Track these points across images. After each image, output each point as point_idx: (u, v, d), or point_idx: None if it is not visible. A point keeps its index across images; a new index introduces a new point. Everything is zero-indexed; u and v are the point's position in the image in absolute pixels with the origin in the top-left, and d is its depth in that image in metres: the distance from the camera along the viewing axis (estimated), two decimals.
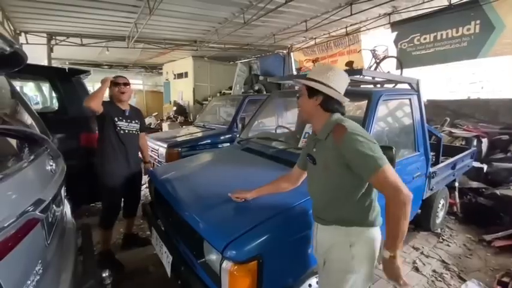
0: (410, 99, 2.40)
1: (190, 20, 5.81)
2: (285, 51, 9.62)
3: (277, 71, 9.87)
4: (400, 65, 4.77)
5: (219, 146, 4.09)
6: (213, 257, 1.31)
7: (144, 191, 3.93)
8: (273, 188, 1.47)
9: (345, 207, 1.14)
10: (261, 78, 9.80)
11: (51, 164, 1.44)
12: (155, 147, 3.99)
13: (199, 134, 4.36)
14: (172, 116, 9.77)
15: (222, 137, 4.22)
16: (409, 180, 2.27)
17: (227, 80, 10.12)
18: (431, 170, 2.54)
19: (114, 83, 2.31)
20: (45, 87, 4.91)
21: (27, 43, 6.26)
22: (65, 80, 3.09)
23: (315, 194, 1.26)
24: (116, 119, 2.27)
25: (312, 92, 1.16)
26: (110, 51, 7.82)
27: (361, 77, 2.51)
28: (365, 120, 1.97)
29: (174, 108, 10.16)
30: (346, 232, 1.14)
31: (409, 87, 2.46)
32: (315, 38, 8.04)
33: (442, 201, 3.15)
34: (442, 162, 2.96)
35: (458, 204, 3.48)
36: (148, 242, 2.61)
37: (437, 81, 6.86)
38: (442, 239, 2.93)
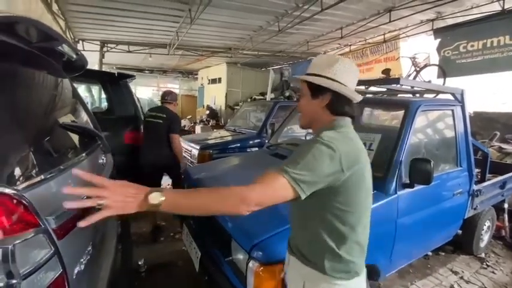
0: (453, 111, 2.27)
1: (227, 28, 6.06)
2: None
3: None
4: (443, 74, 4.49)
5: (248, 150, 4.17)
6: (240, 256, 1.35)
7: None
8: None
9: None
10: (292, 84, 9.80)
11: (102, 158, 1.61)
12: (188, 149, 4.20)
13: (230, 138, 4.48)
14: (204, 120, 10.16)
15: (251, 142, 4.30)
16: (448, 197, 2.13)
17: (258, 85, 10.31)
18: (475, 187, 2.35)
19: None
20: (95, 89, 5.40)
21: (84, 50, 6.96)
22: (114, 83, 3.41)
23: None
24: None
25: (317, 91, 0.91)
26: (153, 58, 8.41)
27: (399, 85, 2.43)
28: (401, 131, 1.91)
29: (207, 112, 10.55)
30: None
31: (453, 98, 2.32)
32: (350, 45, 7.88)
33: (487, 223, 2.87)
34: (488, 180, 2.72)
35: (508, 228, 3.15)
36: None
37: (484, 92, 6.32)
38: (487, 264, 2.67)
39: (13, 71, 1.04)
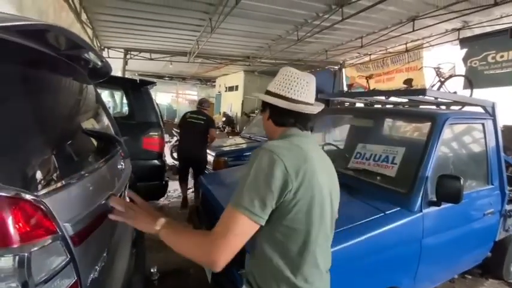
0: (483, 124, 2.13)
1: (246, 37, 6.14)
2: (336, 67, 9.44)
3: (326, 86, 9.68)
4: (470, 85, 4.28)
5: None
6: None
7: (190, 195, 4.15)
8: None
9: None
10: None
11: (121, 163, 1.63)
12: None
13: (245, 145, 4.48)
14: (220, 126, 10.26)
15: None
16: (478, 217, 1.98)
17: None
18: (507, 207, 2.18)
19: None
20: (117, 95, 5.59)
21: (109, 57, 7.25)
22: (136, 89, 3.51)
23: None
24: None
25: (263, 105, 0.94)
26: (173, 65, 8.65)
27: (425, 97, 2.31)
28: (427, 145, 1.81)
29: (223, 119, 10.67)
30: None
31: (483, 111, 2.18)
32: (370, 54, 7.74)
33: None
34: None
35: None
36: None
37: None
38: None
39: (41, 76, 1.07)
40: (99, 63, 1.57)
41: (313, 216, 0.77)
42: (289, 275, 0.77)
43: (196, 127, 3.81)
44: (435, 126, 1.88)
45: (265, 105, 0.93)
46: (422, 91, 1.99)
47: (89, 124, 1.42)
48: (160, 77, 12.75)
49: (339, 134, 3.46)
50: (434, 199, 1.65)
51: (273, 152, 0.76)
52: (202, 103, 4.10)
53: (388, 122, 2.59)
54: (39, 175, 0.78)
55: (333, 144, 2.99)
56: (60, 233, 0.77)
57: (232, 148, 4.30)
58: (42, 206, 0.73)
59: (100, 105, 1.74)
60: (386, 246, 1.51)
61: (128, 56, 7.35)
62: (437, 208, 1.68)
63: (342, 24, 4.87)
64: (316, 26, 5.08)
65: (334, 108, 4.47)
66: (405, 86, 5.75)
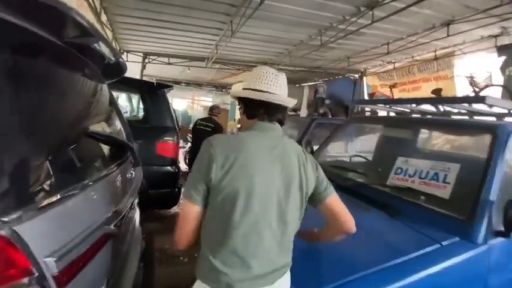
0: None
1: (266, 42, 5.97)
2: (356, 75, 9.11)
3: (345, 95, 9.33)
4: (510, 95, 3.91)
5: None
6: None
7: None
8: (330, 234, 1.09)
9: None
10: (327, 101, 9.47)
11: (131, 172, 1.43)
12: None
13: None
14: (235, 133, 10.11)
15: None
16: None
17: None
18: None
19: None
20: (135, 99, 5.53)
21: (127, 60, 7.29)
22: (152, 93, 3.39)
23: None
24: None
25: (239, 103, 1.01)
26: (190, 70, 8.62)
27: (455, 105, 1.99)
28: (490, 162, 1.51)
29: (238, 125, 10.52)
30: None
31: None
32: (394, 62, 7.39)
33: None
34: None
35: None
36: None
37: None
38: None
39: (41, 68, 0.89)
40: (113, 58, 1.40)
41: (236, 206, 0.81)
42: (208, 254, 0.83)
43: (205, 134, 3.84)
44: (498, 139, 1.57)
45: (239, 101, 0.99)
46: (481, 98, 1.70)
47: (99, 127, 1.24)
48: (177, 82, 12.84)
49: (366, 145, 3.12)
50: (502, 228, 1.35)
51: (210, 142, 0.87)
52: (212, 109, 4.32)
53: (433, 133, 2.28)
54: (10, 192, 0.56)
55: (361, 156, 2.71)
56: (37, 273, 0.55)
57: None
58: (12, 238, 0.53)
59: (113, 108, 1.58)
60: (445, 287, 1.22)
61: (146, 60, 7.35)
62: (505, 239, 1.37)
63: (368, 28, 4.61)
64: (341, 30, 4.83)
65: (364, 117, 4.19)
66: (433, 95, 5.48)
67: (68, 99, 1.02)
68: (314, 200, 0.98)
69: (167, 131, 3.42)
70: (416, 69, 6.95)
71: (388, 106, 2.94)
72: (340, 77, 9.65)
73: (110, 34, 5.43)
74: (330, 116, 8.92)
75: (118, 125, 1.57)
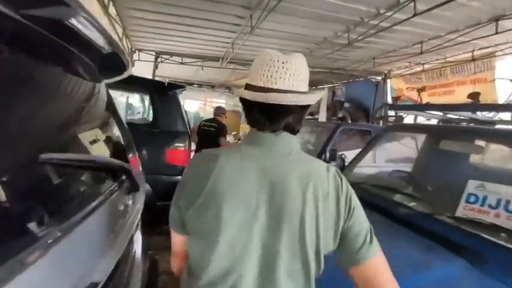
0: None
1: (287, 40, 5.52)
2: (378, 78, 8.54)
3: (366, 99, 8.82)
4: None
5: None
6: None
7: None
8: None
9: None
10: (346, 105, 8.99)
11: (126, 201, 1.03)
12: None
13: None
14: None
15: None
16: None
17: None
18: None
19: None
20: (147, 100, 5.21)
21: (139, 60, 6.94)
22: (162, 93, 3.03)
23: None
24: None
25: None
26: (204, 71, 8.27)
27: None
28: None
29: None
30: None
31: None
32: (424, 63, 6.79)
33: None
34: None
35: None
36: None
37: None
38: None
39: None
40: (107, 47, 1.01)
41: (201, 249, 0.64)
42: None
43: (209, 134, 4.03)
44: None
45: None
46: None
47: (87, 137, 0.89)
48: (190, 84, 12.59)
49: (408, 158, 2.58)
50: None
51: (190, 161, 0.75)
52: (217, 109, 4.35)
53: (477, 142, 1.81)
54: None
55: (403, 171, 2.22)
56: None
57: None
58: None
59: (110, 113, 1.23)
60: None
61: (159, 60, 7.00)
62: None
63: (403, 25, 4.09)
64: (372, 26, 4.33)
65: (403, 125, 3.68)
66: (470, 100, 5.07)
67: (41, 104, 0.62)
68: (342, 259, 0.68)
69: (178, 136, 3.05)
70: (449, 71, 6.34)
71: (438, 113, 2.47)
72: (361, 79, 9.11)
73: (120, 31, 5.10)
74: (350, 121, 8.51)
75: (116, 131, 1.23)
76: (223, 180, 0.62)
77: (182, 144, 3.06)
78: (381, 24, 4.20)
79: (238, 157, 0.65)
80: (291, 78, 0.65)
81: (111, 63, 1.13)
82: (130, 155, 1.28)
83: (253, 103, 0.66)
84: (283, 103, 0.63)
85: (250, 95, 0.66)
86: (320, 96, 0.72)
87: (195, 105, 15.03)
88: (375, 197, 1.67)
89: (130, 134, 1.40)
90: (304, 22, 4.47)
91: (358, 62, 7.03)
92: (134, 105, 9.65)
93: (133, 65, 6.31)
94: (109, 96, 1.26)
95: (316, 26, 4.65)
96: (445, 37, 4.86)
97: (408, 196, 1.69)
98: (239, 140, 10.41)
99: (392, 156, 3.13)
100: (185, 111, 3.77)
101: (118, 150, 1.15)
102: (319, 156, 3.75)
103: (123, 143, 1.26)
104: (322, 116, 7.98)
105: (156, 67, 7.04)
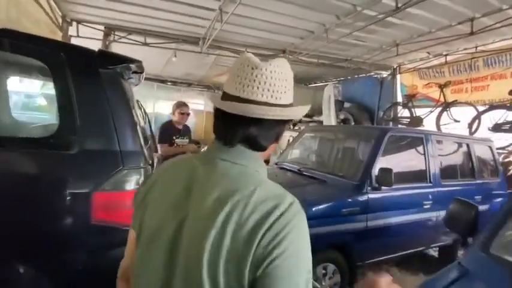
0: None
1: (287, 16, 4.07)
2: (384, 73, 7.43)
3: (368, 97, 7.80)
4: None
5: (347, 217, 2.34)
6: None
7: None
8: None
9: None
10: (346, 105, 7.90)
11: None
12: None
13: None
14: None
15: (348, 200, 2.40)
16: None
17: (301, 104, 8.28)
18: None
19: (181, 112, 3.29)
20: (49, 86, 3.43)
21: (78, 36, 4.73)
22: (84, 71, 1.43)
23: None
24: (174, 137, 3.22)
25: None
26: (178, 62, 6.56)
27: None
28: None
29: None
30: None
31: None
32: (446, 55, 5.67)
33: None
34: None
35: None
36: None
37: None
38: None
39: None
40: None
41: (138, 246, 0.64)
42: None
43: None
44: None
45: None
46: None
47: None
48: (162, 81, 10.74)
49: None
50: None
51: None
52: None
53: None
54: None
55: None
56: None
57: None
58: None
59: None
60: None
61: (111, 38, 4.77)
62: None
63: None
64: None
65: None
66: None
67: None
68: None
69: (123, 160, 1.49)
70: (482, 63, 5.26)
71: None
72: (362, 75, 7.97)
73: None
74: (353, 123, 7.47)
75: None
76: (152, 192, 0.64)
77: (132, 178, 1.51)
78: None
79: (175, 168, 0.68)
80: (260, 87, 0.60)
81: None
82: None
83: (217, 110, 0.64)
84: (241, 114, 0.58)
85: (216, 102, 0.63)
86: (300, 113, 0.69)
87: (169, 107, 12.93)
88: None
89: None
90: None
91: (375, 50, 5.71)
92: (18, 98, 5.50)
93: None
94: None
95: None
96: (479, 20, 3.70)
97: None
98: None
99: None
100: (145, 113, 2.55)
101: None
102: (365, 174, 2.46)
103: None
104: (327, 120, 6.62)
105: (106, 48, 4.78)
